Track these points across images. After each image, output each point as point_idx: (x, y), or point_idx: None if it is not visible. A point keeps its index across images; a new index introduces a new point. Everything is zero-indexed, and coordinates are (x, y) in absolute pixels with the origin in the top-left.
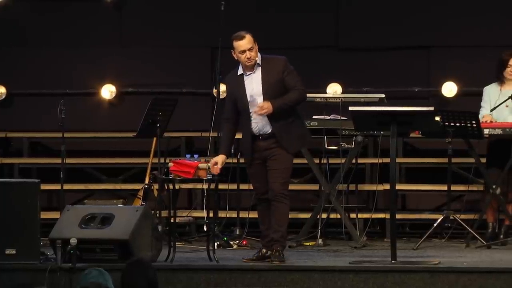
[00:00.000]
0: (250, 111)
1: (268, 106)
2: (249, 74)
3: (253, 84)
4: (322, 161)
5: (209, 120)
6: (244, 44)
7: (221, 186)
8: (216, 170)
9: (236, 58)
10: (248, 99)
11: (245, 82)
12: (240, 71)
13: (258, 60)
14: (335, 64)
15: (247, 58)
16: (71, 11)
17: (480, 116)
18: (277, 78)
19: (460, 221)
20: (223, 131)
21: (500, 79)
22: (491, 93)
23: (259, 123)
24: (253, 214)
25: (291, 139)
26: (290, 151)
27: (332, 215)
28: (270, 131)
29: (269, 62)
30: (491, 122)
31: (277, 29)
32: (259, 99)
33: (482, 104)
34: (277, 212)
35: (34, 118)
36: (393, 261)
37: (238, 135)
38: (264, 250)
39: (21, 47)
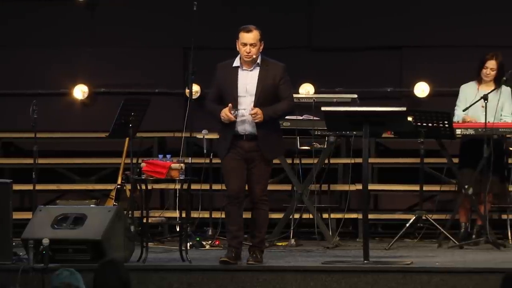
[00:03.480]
0: (238, 108)
1: (260, 115)
2: (245, 70)
3: (248, 81)
4: (294, 161)
5: (181, 120)
6: (248, 37)
7: (193, 187)
8: (231, 116)
9: (237, 49)
10: (239, 94)
11: (239, 76)
12: (236, 63)
13: (259, 60)
14: (308, 64)
15: (247, 52)
16: (44, 11)
17: (456, 114)
18: (273, 82)
19: (432, 221)
20: (210, 104)
21: (478, 79)
22: (468, 92)
23: (245, 122)
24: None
25: (271, 144)
26: (269, 157)
27: (305, 215)
28: (253, 132)
29: (268, 65)
30: (470, 122)
31: None
32: (250, 99)
33: (458, 102)
34: (257, 218)
35: (6, 118)
36: (365, 261)
37: (213, 135)
38: (234, 252)
39: None
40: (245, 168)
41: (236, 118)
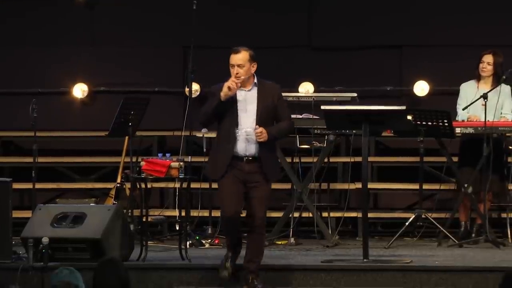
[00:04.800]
0: (238, 128)
1: (265, 134)
2: (243, 90)
3: (247, 102)
4: (294, 160)
5: (181, 119)
6: (236, 58)
7: (193, 185)
8: (235, 85)
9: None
10: (239, 114)
11: (238, 96)
12: None
13: (255, 80)
14: (308, 63)
15: (235, 73)
16: (44, 10)
17: (459, 113)
18: (272, 102)
19: (432, 220)
20: (203, 106)
21: (477, 76)
22: (468, 91)
23: (248, 142)
24: None
25: (273, 165)
26: (271, 179)
27: (304, 214)
28: (255, 153)
29: (264, 86)
30: (477, 121)
31: (250, 28)
32: (252, 118)
33: (459, 101)
34: (255, 244)
35: (6, 117)
36: (365, 260)
37: (212, 134)
38: (228, 264)
39: None
40: (243, 191)
41: (236, 88)
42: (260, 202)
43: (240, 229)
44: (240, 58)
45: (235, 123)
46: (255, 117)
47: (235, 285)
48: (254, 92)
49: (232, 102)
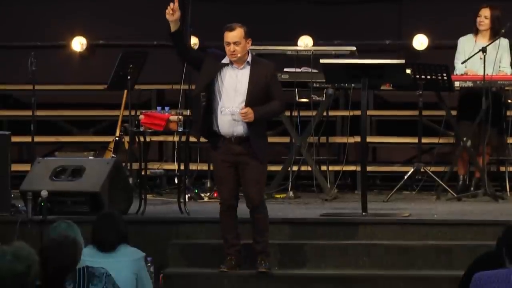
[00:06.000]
0: (226, 107)
1: (251, 114)
2: (235, 68)
3: (238, 80)
4: (293, 114)
5: (180, 72)
6: (231, 36)
7: (192, 139)
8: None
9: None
10: (227, 93)
11: (228, 74)
12: (226, 60)
13: (249, 58)
14: (306, 17)
15: (231, 51)
16: None
17: (456, 67)
18: (264, 81)
19: (430, 173)
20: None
21: (475, 31)
22: (466, 45)
23: (235, 123)
24: None
25: (263, 145)
26: (262, 160)
27: (303, 168)
28: (243, 133)
29: (258, 64)
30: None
31: None
32: (240, 98)
33: (457, 55)
34: (257, 223)
35: (5, 70)
36: (363, 214)
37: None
38: (233, 260)
39: None
40: (235, 174)
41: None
42: (254, 183)
43: (237, 225)
44: (235, 35)
45: (220, 103)
46: (244, 97)
47: (244, 264)
48: (246, 71)
49: (219, 79)
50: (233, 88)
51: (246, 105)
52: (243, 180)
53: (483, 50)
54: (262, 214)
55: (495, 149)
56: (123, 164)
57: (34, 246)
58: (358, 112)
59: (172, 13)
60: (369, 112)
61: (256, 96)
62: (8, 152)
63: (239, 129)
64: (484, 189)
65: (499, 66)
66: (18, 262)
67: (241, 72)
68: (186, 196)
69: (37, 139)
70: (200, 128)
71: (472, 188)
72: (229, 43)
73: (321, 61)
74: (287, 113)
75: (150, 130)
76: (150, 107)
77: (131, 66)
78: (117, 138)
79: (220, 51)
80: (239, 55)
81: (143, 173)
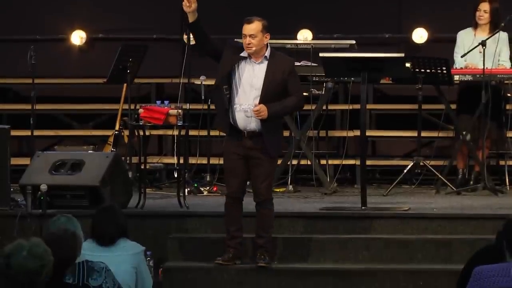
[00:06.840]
0: (240, 103)
1: (264, 112)
2: (253, 61)
3: (254, 75)
4: None
5: (179, 66)
6: (247, 28)
7: (191, 133)
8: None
9: None
10: (243, 88)
11: (246, 68)
12: (245, 54)
13: (267, 53)
14: (306, 11)
15: (247, 44)
16: None
17: (456, 61)
18: (281, 77)
19: (430, 167)
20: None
21: (474, 25)
22: (465, 38)
23: (248, 119)
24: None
25: (276, 140)
26: (274, 155)
27: (303, 162)
28: (255, 128)
29: (276, 59)
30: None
31: None
32: (255, 93)
33: (456, 49)
34: (262, 218)
35: (5, 64)
36: (363, 207)
37: (210, 81)
38: (232, 253)
39: None
40: (245, 167)
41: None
42: (264, 178)
43: (241, 218)
44: (252, 28)
45: (236, 98)
46: (259, 92)
47: (244, 258)
48: (263, 66)
49: (236, 72)
50: (249, 82)
51: (260, 101)
52: (253, 174)
53: (483, 43)
54: (268, 209)
55: (495, 143)
56: (123, 158)
57: None
58: (357, 106)
59: (189, 5)
60: (369, 106)
61: (271, 92)
62: (7, 146)
63: (253, 125)
64: (483, 183)
65: (499, 60)
66: (32, 260)
67: (258, 66)
68: (186, 190)
69: (37, 133)
70: (225, 122)
71: (471, 182)
72: (245, 36)
73: (321, 54)
74: None
75: (149, 124)
76: (150, 100)
77: (130, 59)
78: (116, 132)
79: (240, 42)
80: (254, 48)
81: (142, 167)
